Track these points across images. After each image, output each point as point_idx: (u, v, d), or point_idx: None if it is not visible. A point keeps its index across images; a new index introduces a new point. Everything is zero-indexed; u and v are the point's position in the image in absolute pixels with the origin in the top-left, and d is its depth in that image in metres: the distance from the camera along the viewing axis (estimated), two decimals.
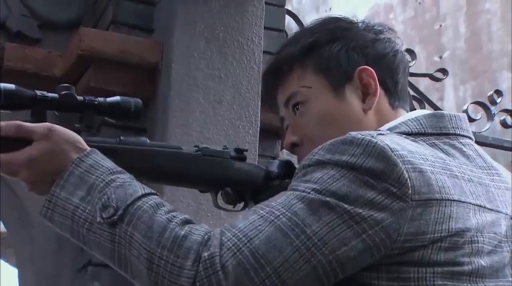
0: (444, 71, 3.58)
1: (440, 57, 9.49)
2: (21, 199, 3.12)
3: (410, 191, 1.20)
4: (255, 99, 2.84)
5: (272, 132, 3.05)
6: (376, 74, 1.41)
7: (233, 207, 1.49)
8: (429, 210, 1.21)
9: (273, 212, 1.21)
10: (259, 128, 2.84)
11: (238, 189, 1.46)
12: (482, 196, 1.29)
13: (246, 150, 1.48)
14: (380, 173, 1.21)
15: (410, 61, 2.88)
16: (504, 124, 3.57)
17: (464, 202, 1.25)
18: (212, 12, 2.83)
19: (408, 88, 1.52)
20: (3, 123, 1.29)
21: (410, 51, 3.33)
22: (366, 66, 1.40)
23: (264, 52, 2.90)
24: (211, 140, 2.77)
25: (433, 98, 8.65)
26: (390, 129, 1.35)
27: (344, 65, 1.40)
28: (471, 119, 3.26)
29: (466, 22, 9.41)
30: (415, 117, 1.36)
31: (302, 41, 1.43)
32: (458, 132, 1.36)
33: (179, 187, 1.55)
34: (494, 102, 3.53)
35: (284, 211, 1.20)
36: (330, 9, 10.32)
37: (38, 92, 1.32)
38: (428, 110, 1.43)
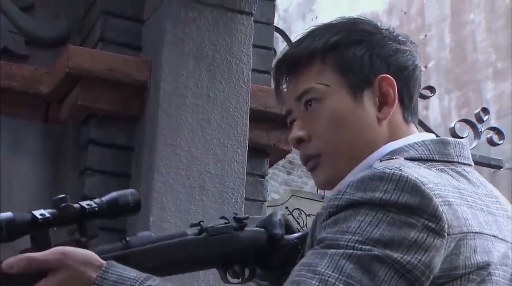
0: (431, 88, 3.58)
1: (425, 67, 9.51)
2: None
3: (445, 225, 1.19)
4: (244, 118, 2.83)
5: (260, 150, 3.04)
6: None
7: (242, 278, 1.45)
8: (459, 244, 1.20)
9: (327, 280, 1.16)
10: (247, 147, 2.83)
11: (243, 258, 1.43)
12: (493, 225, 1.28)
13: (247, 218, 1.43)
14: (416, 208, 1.18)
15: None
16: (491, 142, 3.58)
17: (483, 233, 1.24)
18: (201, 30, 2.82)
19: None
20: (12, 259, 1.21)
21: None
22: (387, 75, 1.36)
23: (252, 70, 2.90)
24: (199, 159, 2.75)
25: (418, 107, 8.68)
26: (396, 151, 1.32)
27: (367, 70, 1.36)
28: (458, 137, 3.27)
29: (451, 32, 9.44)
30: (422, 141, 1.33)
31: (326, 37, 1.38)
32: (461, 160, 1.34)
33: (191, 272, 1.52)
34: (481, 120, 3.54)
35: (337, 275, 1.16)
36: (316, 17, 10.32)
37: (38, 214, 1.22)
38: (432, 135, 1.40)
